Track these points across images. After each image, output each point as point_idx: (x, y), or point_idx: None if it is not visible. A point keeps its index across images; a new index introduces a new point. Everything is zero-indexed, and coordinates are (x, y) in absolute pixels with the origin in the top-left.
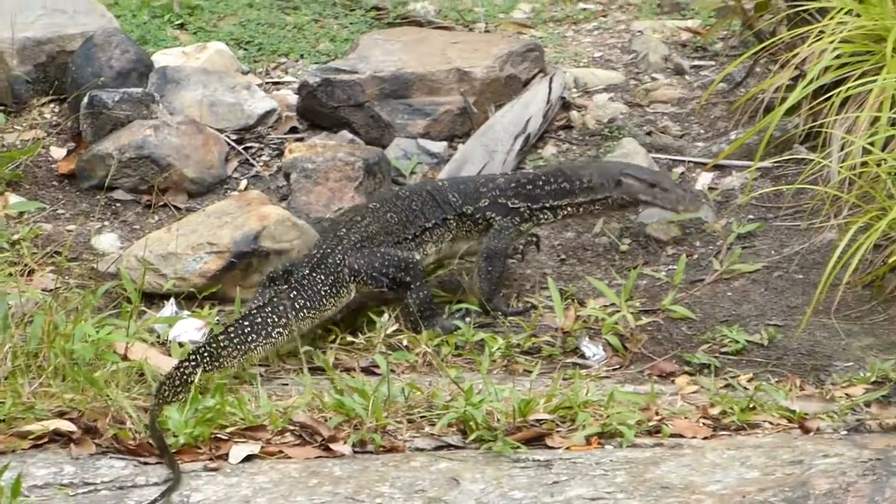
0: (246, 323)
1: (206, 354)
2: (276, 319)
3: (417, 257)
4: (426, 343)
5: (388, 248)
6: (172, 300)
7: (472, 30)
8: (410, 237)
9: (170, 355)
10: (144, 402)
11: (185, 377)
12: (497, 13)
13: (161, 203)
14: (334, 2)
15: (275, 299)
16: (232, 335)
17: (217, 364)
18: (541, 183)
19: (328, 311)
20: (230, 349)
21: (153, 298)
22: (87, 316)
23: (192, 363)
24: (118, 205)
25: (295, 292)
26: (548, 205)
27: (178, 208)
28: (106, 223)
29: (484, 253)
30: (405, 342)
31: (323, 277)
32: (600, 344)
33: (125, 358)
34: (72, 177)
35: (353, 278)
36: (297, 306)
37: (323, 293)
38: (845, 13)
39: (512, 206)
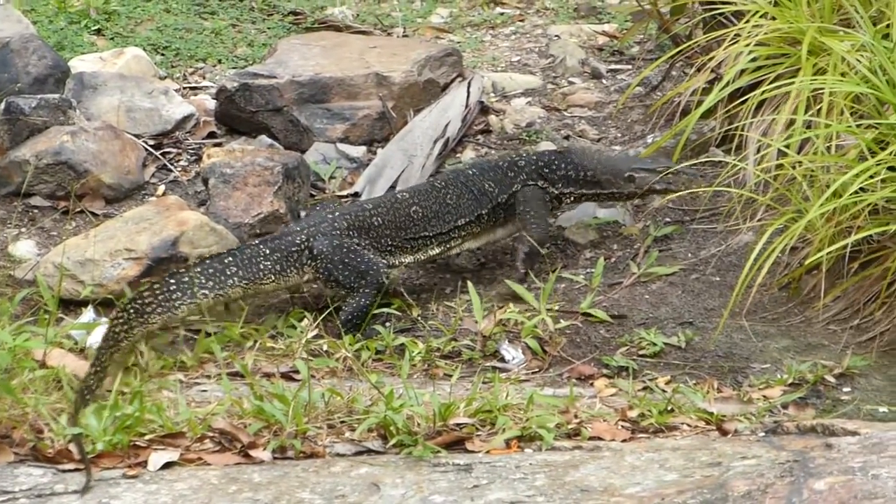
0: (172, 281)
1: (132, 311)
2: (204, 282)
3: (396, 262)
4: (346, 348)
5: (362, 250)
6: (90, 307)
7: (390, 34)
8: (427, 236)
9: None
10: (62, 408)
11: (116, 336)
12: (415, 18)
13: (78, 209)
14: (252, 6)
15: (207, 260)
16: (157, 292)
17: (142, 321)
18: (554, 167)
19: (266, 284)
20: (154, 305)
21: (71, 305)
22: (5, 323)
23: (121, 321)
24: (35, 211)
25: (231, 258)
26: (562, 191)
27: (95, 214)
28: (23, 230)
29: (523, 241)
30: (326, 347)
31: (268, 252)
32: (520, 347)
33: (43, 365)
34: None
35: (310, 262)
36: (229, 273)
37: (262, 267)
38: (761, 16)
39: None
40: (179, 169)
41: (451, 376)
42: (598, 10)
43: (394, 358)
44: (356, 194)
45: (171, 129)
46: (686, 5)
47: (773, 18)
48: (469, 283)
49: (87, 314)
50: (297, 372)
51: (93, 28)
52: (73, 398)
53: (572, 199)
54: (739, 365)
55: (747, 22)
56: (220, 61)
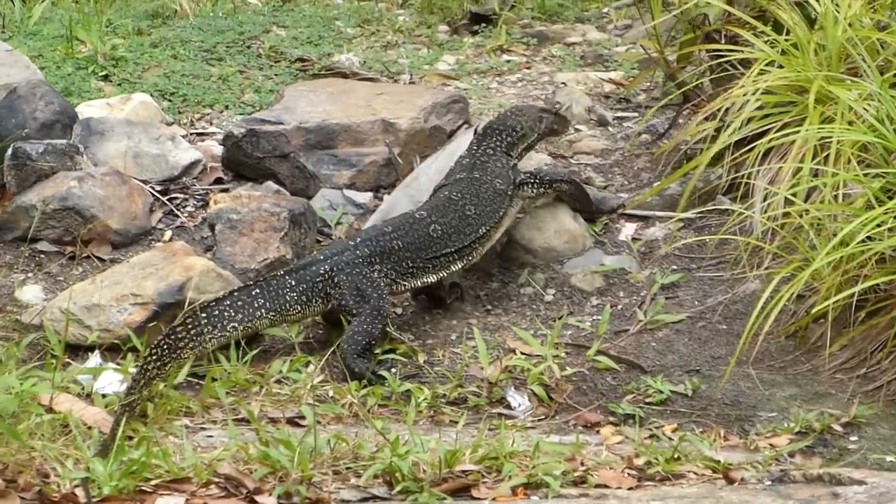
0: (203, 315)
1: (165, 347)
2: (233, 314)
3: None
4: (352, 394)
5: (378, 280)
6: (97, 352)
7: (397, 81)
8: (449, 252)
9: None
10: (68, 453)
11: (149, 374)
12: (422, 65)
13: (85, 254)
14: (259, 53)
15: (236, 293)
16: (189, 326)
17: (175, 356)
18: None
19: (292, 315)
20: (186, 340)
21: (78, 350)
22: (11, 368)
23: (154, 357)
24: (42, 256)
25: (258, 290)
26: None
27: (102, 259)
28: (30, 275)
29: (568, 194)
30: (331, 393)
31: (294, 283)
32: (526, 394)
33: (50, 410)
34: None
35: (333, 291)
36: (257, 305)
37: (288, 298)
38: (768, 64)
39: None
40: (186, 214)
41: (457, 423)
42: (605, 58)
43: (399, 404)
44: None
45: (178, 175)
46: (693, 53)
47: (781, 67)
48: (475, 330)
49: (94, 359)
50: (302, 417)
51: (100, 74)
52: (101, 439)
53: (519, 157)
54: (746, 413)
55: (754, 70)
56: (227, 107)
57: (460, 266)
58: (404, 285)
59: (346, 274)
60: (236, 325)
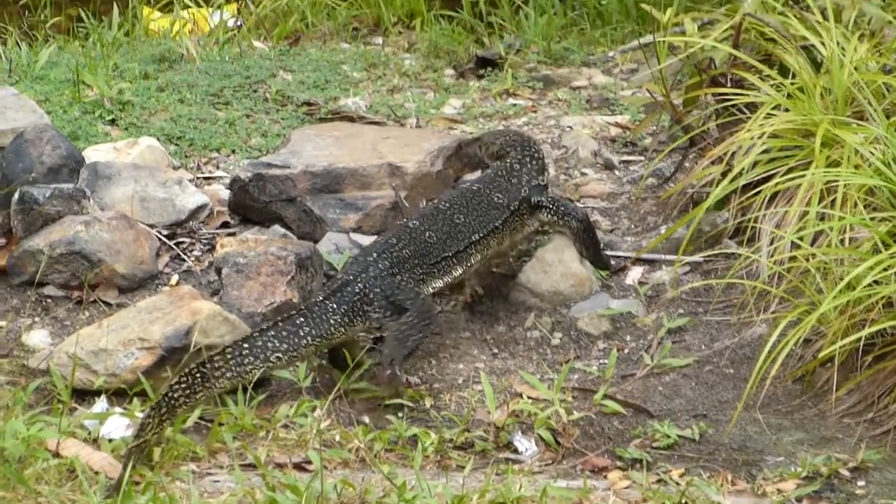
0: (245, 345)
1: (197, 375)
2: (278, 345)
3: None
4: (359, 438)
5: (407, 284)
6: (103, 396)
7: (403, 125)
8: (451, 254)
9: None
10: (75, 498)
11: (174, 402)
12: (428, 108)
13: (92, 299)
14: (266, 97)
15: (279, 323)
16: (228, 356)
17: (207, 386)
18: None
19: (337, 338)
20: (224, 370)
21: (84, 395)
22: (18, 413)
23: (183, 385)
24: (49, 300)
25: (302, 319)
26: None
27: (109, 304)
28: (37, 319)
29: (574, 231)
30: (338, 437)
31: (335, 306)
32: (533, 438)
33: (57, 455)
34: (2, 273)
35: (369, 307)
36: (302, 333)
37: (333, 322)
38: (774, 108)
39: (542, 183)
40: (193, 258)
41: (463, 467)
42: (611, 102)
43: (406, 449)
44: None
45: (185, 219)
46: (699, 97)
47: (787, 110)
48: (482, 374)
49: (101, 404)
50: (309, 462)
51: (107, 118)
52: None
53: None
54: (753, 458)
55: (760, 114)
56: (233, 151)
57: (461, 271)
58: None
59: (378, 288)
60: (280, 354)
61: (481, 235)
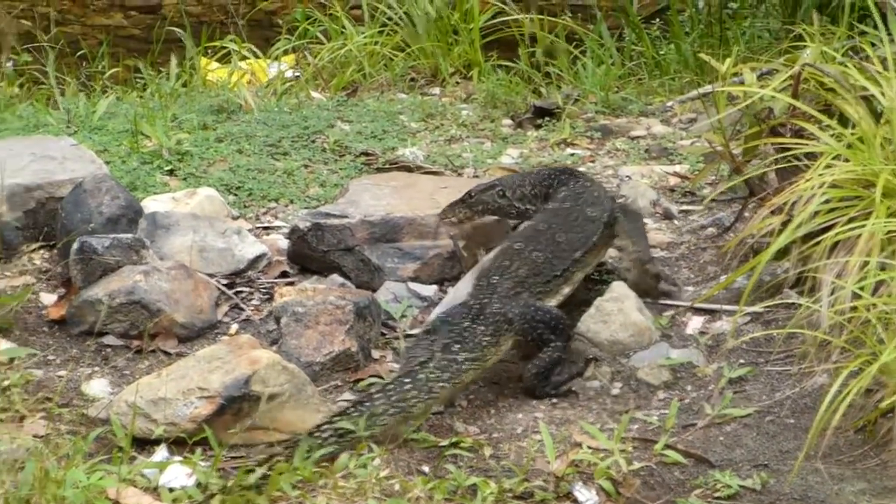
0: (407, 380)
1: (355, 414)
2: (440, 374)
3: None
4: (419, 488)
5: (540, 303)
6: (163, 445)
7: (461, 175)
8: (559, 273)
9: (160, 501)
10: None
11: (326, 441)
12: (485, 158)
13: (151, 348)
14: (324, 147)
15: (437, 353)
16: (390, 393)
17: (369, 424)
18: None
19: (489, 360)
20: (387, 407)
21: (144, 444)
22: (78, 462)
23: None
24: (108, 350)
25: (458, 346)
26: None
27: (168, 353)
28: (96, 369)
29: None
30: (397, 486)
31: (483, 328)
32: (593, 489)
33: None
34: (62, 322)
35: (508, 327)
36: (460, 359)
37: (484, 343)
38: (833, 158)
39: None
40: (252, 308)
41: None
42: (670, 152)
43: (466, 498)
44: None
45: (244, 269)
46: (758, 147)
47: (846, 160)
48: (541, 423)
49: (160, 453)
50: None
51: (165, 168)
52: None
53: None
54: None
55: (820, 164)
56: (292, 201)
57: (568, 291)
58: None
59: (514, 307)
60: (444, 384)
61: (583, 253)
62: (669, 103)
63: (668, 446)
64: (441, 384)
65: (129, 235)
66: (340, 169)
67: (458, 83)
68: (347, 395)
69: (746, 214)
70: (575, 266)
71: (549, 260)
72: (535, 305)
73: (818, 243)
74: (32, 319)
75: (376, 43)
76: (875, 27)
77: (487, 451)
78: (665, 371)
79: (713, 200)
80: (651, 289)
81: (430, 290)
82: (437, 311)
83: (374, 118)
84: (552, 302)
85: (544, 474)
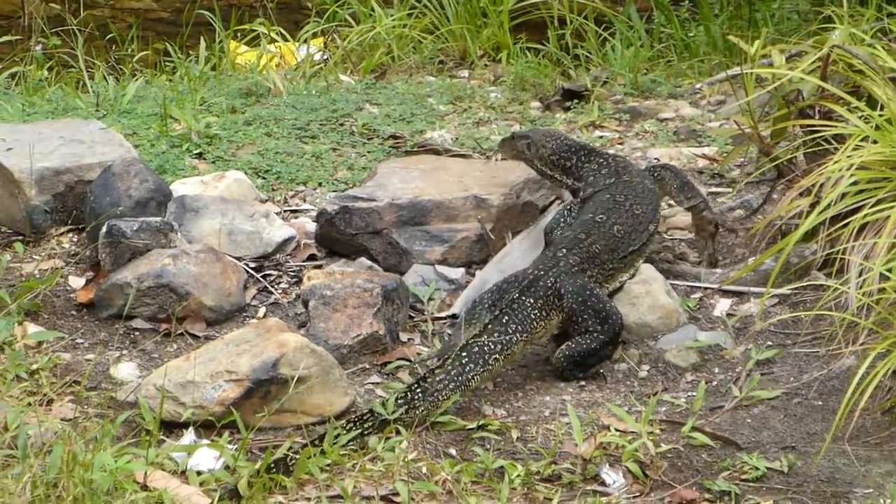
0: (464, 353)
1: (419, 391)
2: (493, 346)
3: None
4: (446, 471)
5: (602, 293)
6: (191, 428)
7: (489, 158)
8: (634, 250)
9: (188, 484)
10: None
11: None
12: None
13: (179, 332)
14: (352, 131)
15: (489, 326)
16: (450, 368)
17: (431, 400)
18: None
19: (539, 333)
20: (447, 381)
21: (172, 427)
22: (106, 445)
23: (402, 402)
24: (137, 333)
25: (507, 317)
26: None
27: (196, 336)
28: (125, 352)
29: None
30: (425, 469)
31: (532, 301)
32: (620, 471)
33: (144, 487)
34: (90, 306)
35: (559, 303)
36: (511, 330)
37: (533, 316)
38: (862, 139)
39: None
40: (280, 291)
41: (551, 500)
42: (698, 134)
43: (493, 481)
44: (454, 316)
45: (272, 252)
46: (786, 129)
47: (875, 142)
48: (569, 406)
49: (188, 436)
50: (396, 494)
51: (194, 152)
52: None
53: None
54: (842, 490)
55: (848, 146)
56: (320, 184)
57: (640, 263)
58: (606, 287)
59: (569, 284)
60: (497, 356)
61: (655, 226)
62: (698, 85)
63: (695, 428)
64: (495, 356)
65: (158, 219)
66: (368, 152)
67: (486, 66)
68: (375, 378)
69: (774, 196)
70: (648, 241)
71: (627, 234)
72: (590, 288)
73: (846, 225)
74: (61, 303)
75: (405, 25)
76: None
77: (515, 434)
78: (693, 353)
79: (741, 182)
80: (710, 237)
81: (457, 273)
82: (463, 295)
83: (402, 101)
84: (611, 286)
85: (572, 457)
